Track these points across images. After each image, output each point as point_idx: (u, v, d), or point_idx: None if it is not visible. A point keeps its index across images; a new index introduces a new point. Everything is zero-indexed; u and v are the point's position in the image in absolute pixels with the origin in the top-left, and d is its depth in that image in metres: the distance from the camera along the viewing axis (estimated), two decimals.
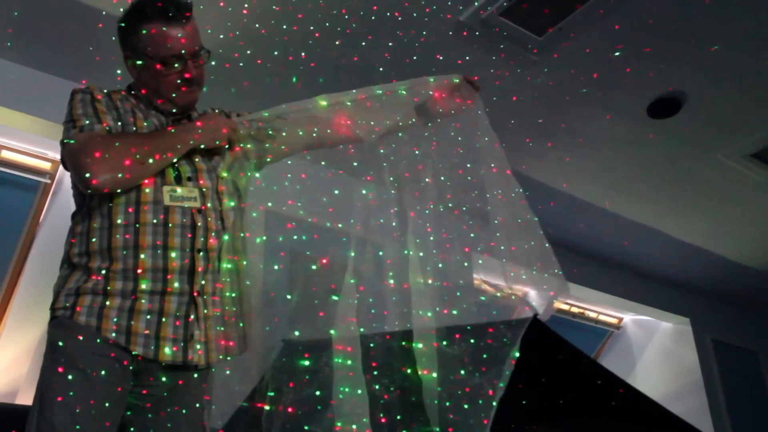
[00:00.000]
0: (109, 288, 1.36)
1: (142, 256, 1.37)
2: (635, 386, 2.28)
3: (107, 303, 1.36)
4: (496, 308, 1.46)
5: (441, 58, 2.79)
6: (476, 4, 2.54)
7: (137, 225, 1.38)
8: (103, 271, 1.37)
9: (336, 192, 1.54)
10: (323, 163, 1.66)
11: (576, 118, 3.27)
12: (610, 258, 4.84)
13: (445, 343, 1.44)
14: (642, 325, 5.37)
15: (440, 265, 1.50)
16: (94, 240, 1.39)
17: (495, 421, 1.86)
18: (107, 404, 1.32)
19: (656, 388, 4.83)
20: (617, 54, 2.81)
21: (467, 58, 2.82)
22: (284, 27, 2.59)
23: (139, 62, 1.48)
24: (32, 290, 2.77)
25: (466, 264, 1.57)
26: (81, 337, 1.33)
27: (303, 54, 2.73)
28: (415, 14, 2.58)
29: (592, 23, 2.63)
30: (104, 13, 2.48)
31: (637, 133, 3.40)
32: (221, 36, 2.59)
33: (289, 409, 1.83)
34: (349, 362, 1.43)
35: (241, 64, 2.68)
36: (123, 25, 1.50)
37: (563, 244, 4.53)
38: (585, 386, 2.09)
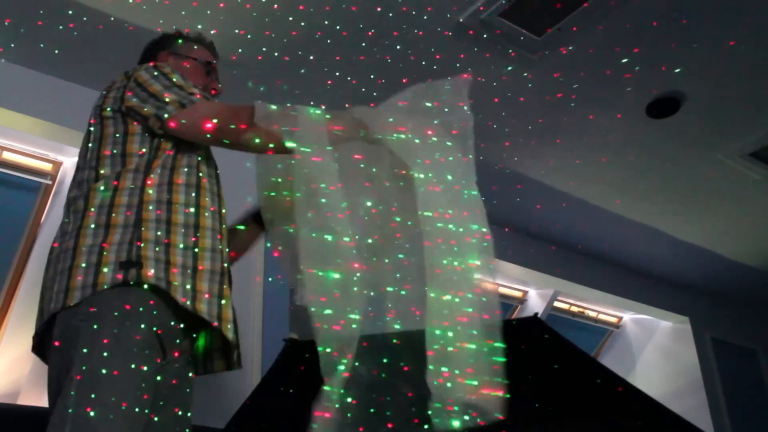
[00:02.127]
0: (198, 257, 1.35)
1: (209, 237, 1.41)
2: (635, 385, 2.29)
3: (196, 267, 1.34)
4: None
5: (441, 58, 2.80)
6: (476, 4, 2.55)
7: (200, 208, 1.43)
8: (192, 239, 1.36)
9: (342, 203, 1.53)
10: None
11: (575, 118, 3.28)
12: (609, 257, 4.84)
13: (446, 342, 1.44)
14: (641, 324, 5.38)
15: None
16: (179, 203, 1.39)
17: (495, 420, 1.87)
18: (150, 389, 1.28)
19: (656, 386, 4.84)
20: (616, 54, 2.83)
21: (467, 58, 2.83)
22: (283, 28, 2.60)
23: (179, 49, 1.68)
24: (34, 291, 2.77)
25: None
26: (171, 315, 1.31)
27: (302, 55, 2.74)
28: (414, 14, 2.59)
29: (591, 23, 2.64)
30: (106, 15, 2.50)
31: (636, 133, 3.41)
32: (224, 36, 2.60)
33: (291, 412, 1.83)
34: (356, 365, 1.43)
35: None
36: (179, 33, 1.73)
37: (563, 243, 4.54)
38: (585, 385, 2.10)
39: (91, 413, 1.14)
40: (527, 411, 1.84)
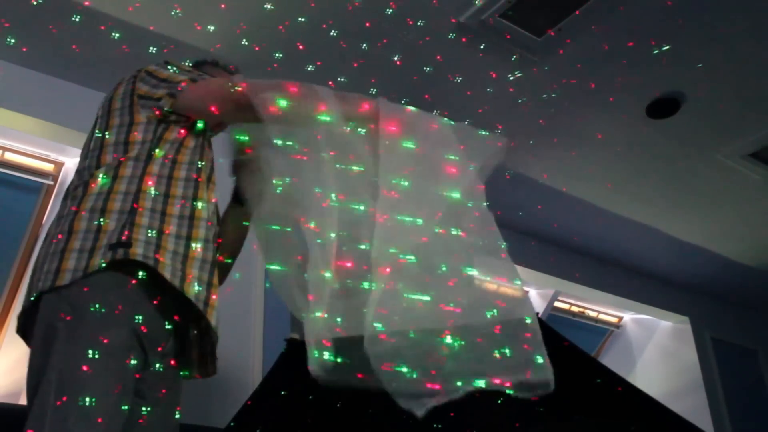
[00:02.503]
0: (190, 246, 1.35)
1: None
2: (635, 384, 2.29)
3: (188, 254, 1.34)
4: (496, 307, 1.45)
5: (441, 58, 2.81)
6: (476, 5, 2.56)
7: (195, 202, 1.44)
8: (186, 229, 1.37)
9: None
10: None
11: (575, 118, 3.28)
12: (610, 258, 4.85)
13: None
14: (642, 324, 5.38)
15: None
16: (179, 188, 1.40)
17: (495, 421, 1.87)
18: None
19: (656, 386, 4.84)
20: (616, 54, 2.83)
21: (467, 58, 2.84)
22: (283, 30, 2.60)
23: (202, 68, 1.71)
24: None
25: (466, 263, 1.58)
26: (156, 314, 1.30)
27: (302, 55, 2.74)
28: (415, 15, 2.60)
29: (591, 24, 2.65)
30: (106, 15, 2.50)
31: (636, 133, 3.41)
32: (224, 35, 2.61)
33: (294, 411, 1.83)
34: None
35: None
36: (214, 60, 1.80)
37: (563, 244, 4.55)
38: (585, 385, 2.10)
39: (69, 413, 1.14)
40: (527, 410, 1.84)
